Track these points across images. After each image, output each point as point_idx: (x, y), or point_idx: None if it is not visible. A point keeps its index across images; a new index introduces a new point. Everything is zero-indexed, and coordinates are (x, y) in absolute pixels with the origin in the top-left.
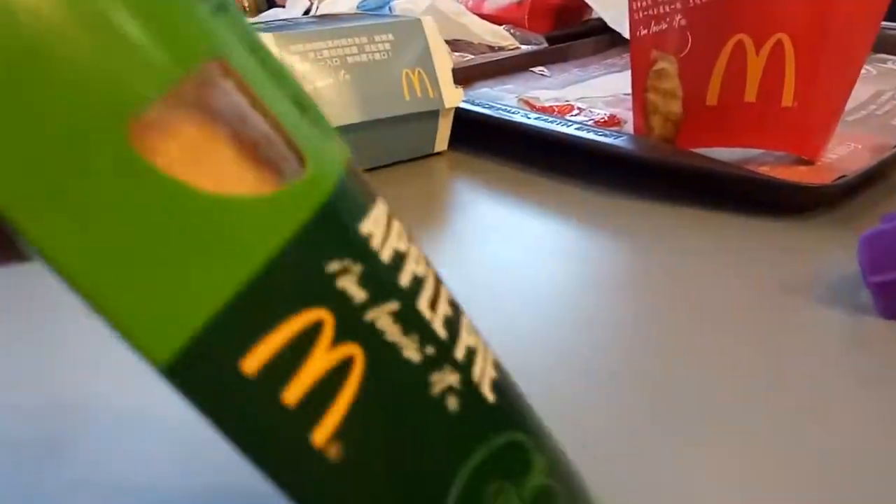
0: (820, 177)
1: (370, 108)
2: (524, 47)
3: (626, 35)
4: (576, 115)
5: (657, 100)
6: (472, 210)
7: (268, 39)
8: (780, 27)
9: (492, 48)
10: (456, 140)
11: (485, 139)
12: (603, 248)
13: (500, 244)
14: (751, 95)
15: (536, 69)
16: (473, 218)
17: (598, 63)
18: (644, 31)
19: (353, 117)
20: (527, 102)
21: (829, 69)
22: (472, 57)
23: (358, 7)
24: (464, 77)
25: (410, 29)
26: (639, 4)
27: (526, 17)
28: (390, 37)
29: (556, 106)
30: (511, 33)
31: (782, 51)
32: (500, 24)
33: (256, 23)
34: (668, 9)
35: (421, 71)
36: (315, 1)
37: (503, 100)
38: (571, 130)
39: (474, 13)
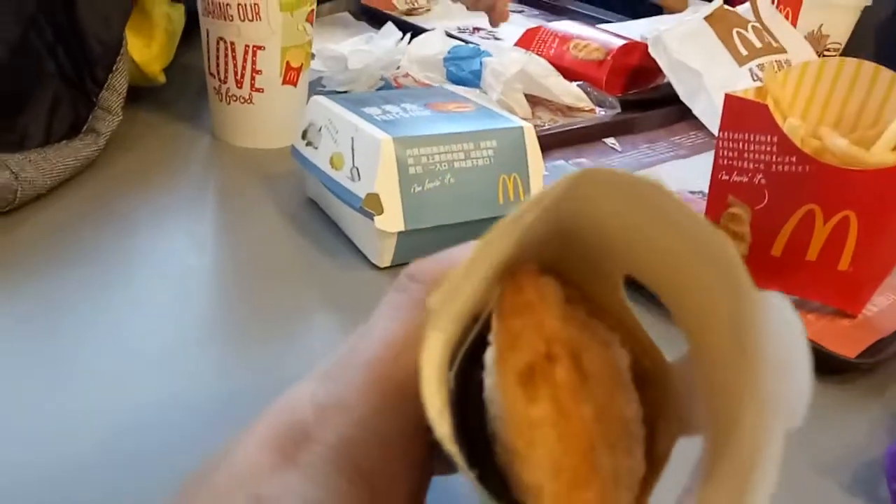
0: (858, 337)
1: (467, 211)
2: (598, 109)
3: (696, 112)
4: None
5: None
6: None
7: (386, 141)
8: (850, 206)
9: (569, 108)
10: None
11: None
12: None
13: None
14: (812, 255)
15: (608, 141)
16: None
17: (665, 140)
18: (725, 177)
19: (450, 218)
20: None
21: (886, 243)
22: (549, 123)
23: (449, 52)
24: (542, 145)
25: (513, 137)
26: (725, 153)
27: (604, 77)
28: (494, 143)
29: None
30: (587, 92)
31: (847, 225)
32: (579, 79)
33: (359, 94)
34: (751, 165)
35: (517, 176)
36: (406, 36)
37: None
38: None
39: (556, 63)
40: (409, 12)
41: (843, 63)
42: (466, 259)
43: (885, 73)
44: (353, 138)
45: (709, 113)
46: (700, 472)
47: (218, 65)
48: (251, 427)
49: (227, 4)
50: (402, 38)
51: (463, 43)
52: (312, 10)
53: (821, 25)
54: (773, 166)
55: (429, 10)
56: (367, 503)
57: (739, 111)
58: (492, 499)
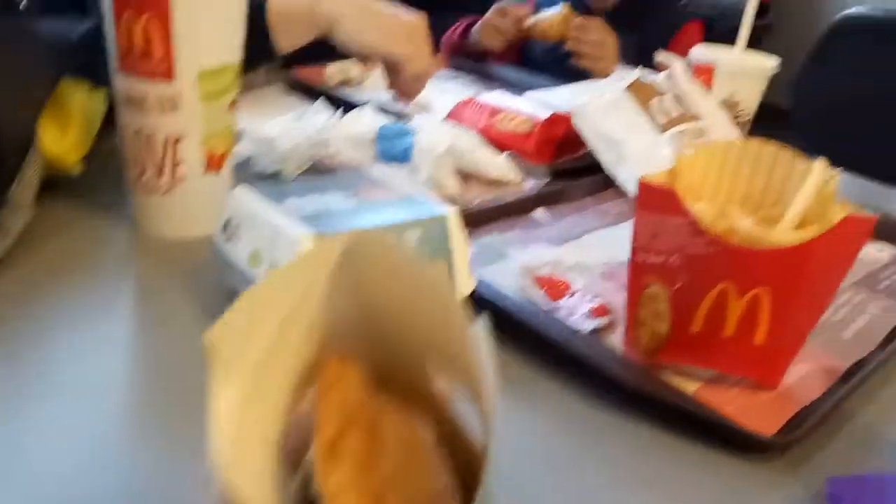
0: (779, 409)
1: None
2: (528, 180)
3: (620, 181)
4: (571, 298)
5: (647, 317)
6: None
7: (306, 238)
8: (760, 283)
9: (499, 181)
10: None
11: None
12: (557, 467)
13: None
14: (729, 331)
15: (537, 213)
16: None
17: (593, 208)
18: (643, 258)
19: None
20: (529, 272)
21: (798, 316)
22: (479, 197)
23: (379, 130)
24: (472, 221)
25: (438, 225)
26: (641, 235)
27: (532, 149)
28: (418, 233)
29: (555, 279)
30: (517, 163)
31: (759, 301)
32: (508, 149)
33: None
34: (666, 247)
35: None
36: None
37: (507, 262)
38: (561, 336)
39: (485, 135)
40: (342, 84)
41: (746, 144)
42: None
43: (785, 153)
44: (271, 235)
45: (632, 181)
46: None
47: (136, 157)
48: None
49: (144, 97)
50: (333, 115)
51: (395, 117)
52: (235, 98)
53: (733, 93)
54: (686, 248)
55: (361, 81)
56: None
57: (651, 195)
58: None
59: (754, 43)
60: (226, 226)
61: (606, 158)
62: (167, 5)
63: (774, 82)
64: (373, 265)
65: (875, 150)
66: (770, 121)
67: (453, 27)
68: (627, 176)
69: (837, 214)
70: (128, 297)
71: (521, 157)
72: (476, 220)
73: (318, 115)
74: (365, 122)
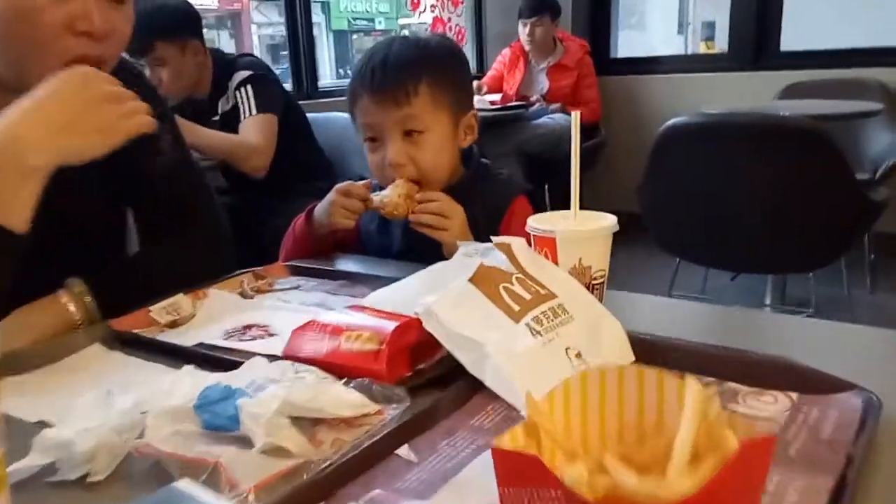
0: None
1: None
2: (387, 408)
3: (487, 383)
4: None
5: None
6: None
7: None
8: None
9: (354, 418)
10: None
11: None
12: None
13: None
14: None
15: (402, 451)
16: None
17: (465, 427)
18: None
19: None
20: None
21: None
22: (333, 446)
23: (199, 398)
24: (325, 489)
25: None
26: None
27: (385, 368)
28: None
29: None
30: (370, 390)
31: None
32: (358, 374)
33: None
34: None
35: None
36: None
37: None
38: None
39: (330, 362)
40: (172, 324)
41: (604, 372)
42: None
43: (649, 372)
44: None
45: (499, 382)
46: None
47: None
48: None
49: None
50: (146, 387)
51: (225, 366)
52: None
53: (580, 259)
54: None
55: (193, 314)
56: None
57: (512, 466)
58: None
59: (591, 161)
60: None
61: (467, 360)
62: None
63: (623, 191)
64: None
65: (707, 236)
66: (629, 226)
67: (290, 228)
68: (493, 377)
69: (731, 440)
70: None
71: (374, 382)
72: (331, 484)
73: (126, 394)
74: (183, 389)
